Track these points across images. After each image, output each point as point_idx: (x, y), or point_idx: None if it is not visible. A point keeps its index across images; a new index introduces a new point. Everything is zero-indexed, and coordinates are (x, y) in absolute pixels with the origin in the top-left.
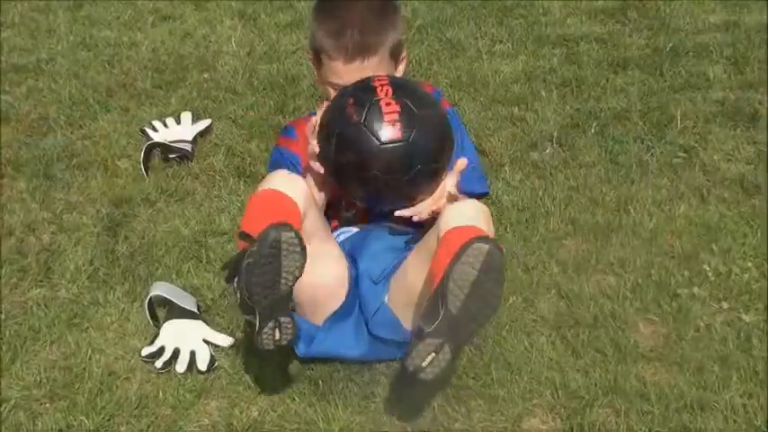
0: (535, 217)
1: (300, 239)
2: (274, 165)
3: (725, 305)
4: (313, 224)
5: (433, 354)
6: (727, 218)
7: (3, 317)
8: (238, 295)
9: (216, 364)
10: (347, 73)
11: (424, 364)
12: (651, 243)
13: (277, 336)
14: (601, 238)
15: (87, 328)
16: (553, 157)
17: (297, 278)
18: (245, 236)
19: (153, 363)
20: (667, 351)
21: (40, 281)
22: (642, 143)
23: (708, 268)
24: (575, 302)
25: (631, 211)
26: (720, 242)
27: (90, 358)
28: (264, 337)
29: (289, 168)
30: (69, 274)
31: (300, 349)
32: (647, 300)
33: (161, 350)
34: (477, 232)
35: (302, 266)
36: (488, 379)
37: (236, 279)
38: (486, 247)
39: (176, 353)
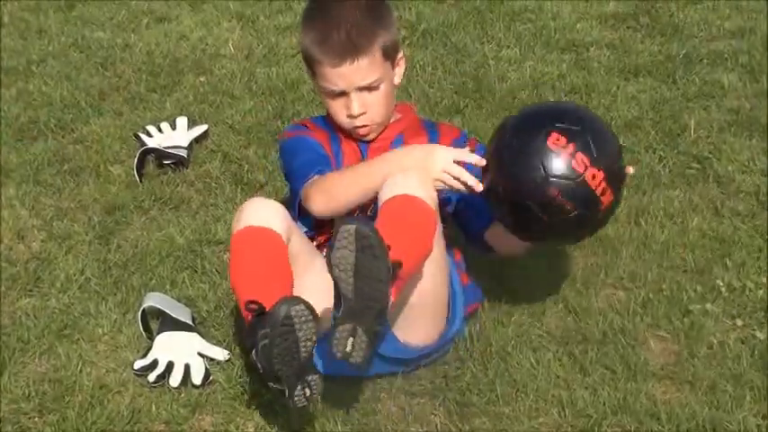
0: None
1: (311, 309)
2: (296, 149)
3: (739, 322)
4: (297, 245)
5: (351, 338)
6: (742, 231)
7: None
8: (260, 367)
9: (211, 378)
10: (338, 77)
11: (348, 350)
12: (663, 256)
13: (308, 393)
14: (610, 251)
15: (78, 339)
16: None
17: (315, 342)
18: (249, 303)
19: (146, 376)
20: (679, 369)
21: (30, 290)
22: (654, 153)
23: (721, 283)
24: (583, 317)
25: (642, 223)
26: (734, 256)
27: (81, 371)
28: (296, 399)
29: (315, 154)
30: (60, 284)
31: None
32: (657, 315)
33: (154, 363)
34: (407, 200)
35: (317, 331)
36: (493, 396)
37: (254, 351)
38: (352, 226)
39: (170, 366)
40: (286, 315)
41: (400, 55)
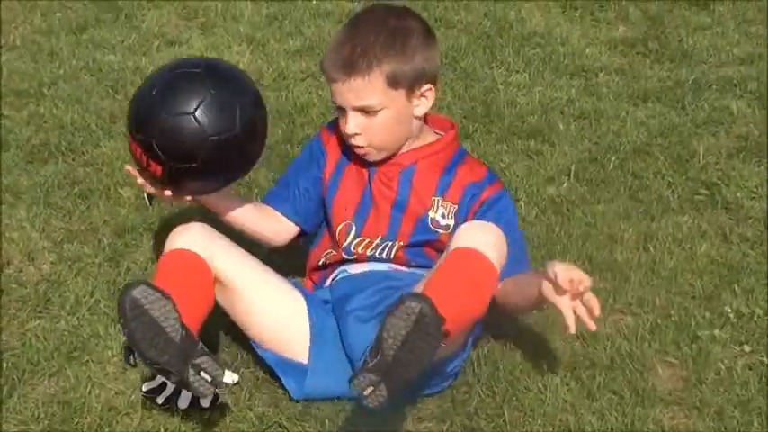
0: (551, 254)
1: (158, 288)
2: (302, 157)
3: (746, 348)
4: (226, 258)
5: (371, 387)
6: (750, 257)
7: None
8: (150, 369)
9: (219, 400)
10: (335, 92)
11: (365, 393)
12: (671, 282)
13: (208, 378)
14: (619, 277)
15: (87, 361)
16: (570, 192)
17: (178, 318)
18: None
19: (154, 398)
20: (686, 395)
21: (39, 312)
22: (663, 179)
23: (729, 309)
24: (591, 343)
25: (651, 249)
26: (743, 283)
27: (90, 393)
28: (199, 387)
29: (312, 164)
30: (69, 306)
31: (295, 391)
32: (665, 341)
33: (163, 385)
34: (478, 258)
35: (174, 306)
36: (500, 421)
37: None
38: (417, 306)
39: (178, 388)
40: (131, 300)
41: (425, 88)
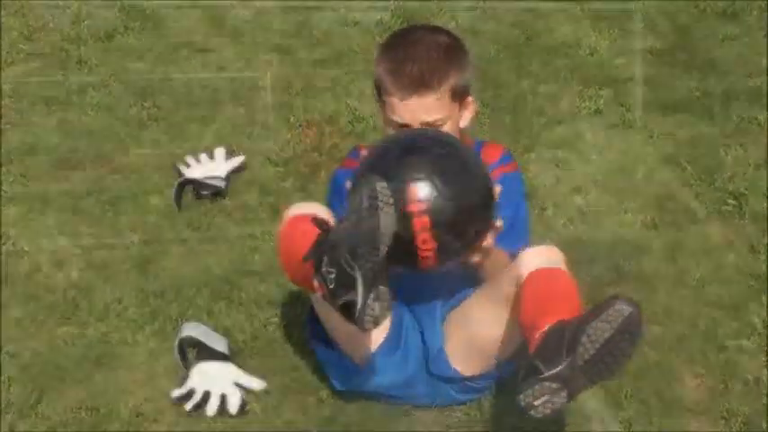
0: (579, 263)
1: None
2: (335, 188)
3: None
4: None
5: (548, 396)
6: None
7: (29, 354)
8: (333, 275)
9: (247, 408)
10: (404, 110)
11: (536, 403)
12: (698, 293)
13: (377, 310)
14: (646, 287)
15: (115, 367)
16: (598, 201)
17: (388, 244)
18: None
19: (182, 405)
20: (713, 405)
21: (68, 318)
22: (690, 189)
23: (757, 320)
24: None
25: (678, 259)
26: None
27: (118, 399)
28: (368, 311)
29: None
30: (98, 312)
31: (337, 386)
32: (693, 351)
33: (191, 393)
34: (562, 275)
35: (393, 227)
36: (527, 429)
37: (322, 262)
38: (628, 309)
39: (206, 396)
40: (372, 190)
41: (469, 99)
